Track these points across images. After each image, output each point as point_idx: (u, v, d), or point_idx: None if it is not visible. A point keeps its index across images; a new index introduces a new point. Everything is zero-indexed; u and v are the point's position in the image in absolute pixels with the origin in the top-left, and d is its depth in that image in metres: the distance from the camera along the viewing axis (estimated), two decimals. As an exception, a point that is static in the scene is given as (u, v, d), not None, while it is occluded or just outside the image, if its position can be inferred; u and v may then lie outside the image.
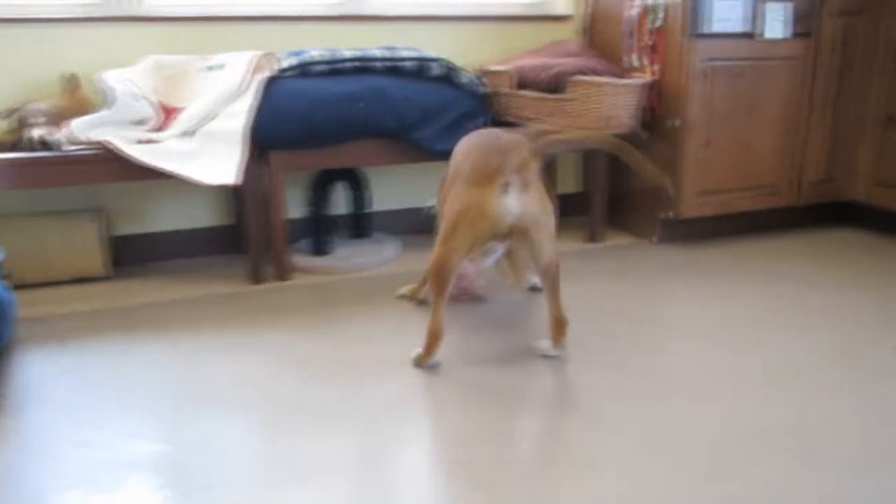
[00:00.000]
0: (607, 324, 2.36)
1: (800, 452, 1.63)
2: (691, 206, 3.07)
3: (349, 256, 2.94)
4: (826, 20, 3.12)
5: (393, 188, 3.34)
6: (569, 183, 3.64)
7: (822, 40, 3.14)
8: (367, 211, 3.16)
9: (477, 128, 2.85)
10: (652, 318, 2.40)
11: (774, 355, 2.12)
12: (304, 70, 2.74)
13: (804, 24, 3.09)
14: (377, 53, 2.85)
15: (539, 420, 1.78)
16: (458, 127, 2.83)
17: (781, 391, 1.91)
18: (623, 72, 3.14)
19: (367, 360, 2.11)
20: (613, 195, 3.41)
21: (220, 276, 2.84)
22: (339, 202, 3.22)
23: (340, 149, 2.75)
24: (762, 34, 3.03)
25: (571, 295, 2.61)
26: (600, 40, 3.39)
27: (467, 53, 3.31)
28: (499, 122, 3.03)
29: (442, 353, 2.10)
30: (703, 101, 2.99)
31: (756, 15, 2.99)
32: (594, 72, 2.93)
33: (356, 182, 3.10)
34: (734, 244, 3.21)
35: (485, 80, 3.08)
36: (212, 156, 2.59)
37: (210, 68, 2.82)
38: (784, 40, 3.07)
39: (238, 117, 2.62)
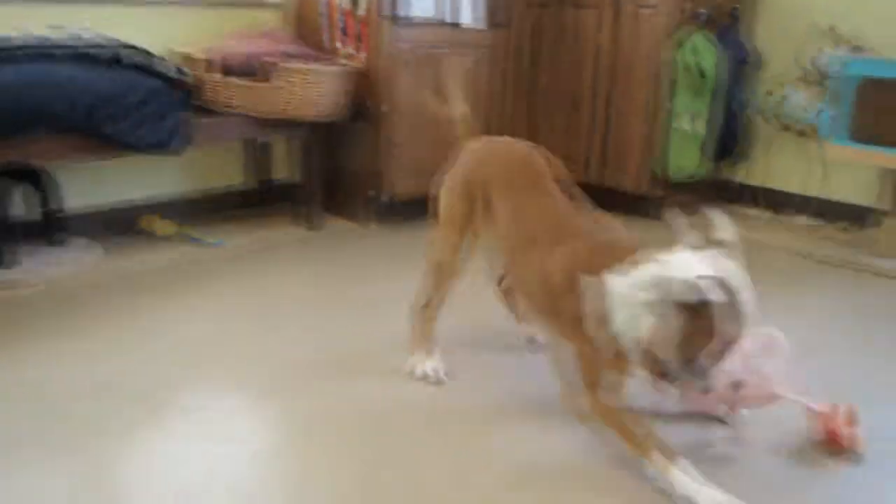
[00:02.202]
0: (320, 310, 2.36)
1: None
2: (404, 188, 3.16)
3: (38, 266, 2.62)
4: (520, 11, 3.38)
5: (91, 186, 3.04)
6: (284, 169, 3.57)
7: (516, 30, 3.39)
8: (58, 214, 2.84)
9: (177, 120, 2.68)
10: (357, 299, 2.44)
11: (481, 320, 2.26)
12: (-37, 57, 2.38)
13: (500, 14, 3.31)
14: (61, 39, 2.56)
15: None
16: (157, 117, 2.63)
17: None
18: (330, 58, 3.13)
19: (61, 382, 1.90)
20: (329, 180, 3.40)
21: None
22: (25, 205, 2.85)
23: (11, 144, 2.42)
24: (459, 22, 3.19)
25: (292, 283, 2.59)
26: (308, 27, 3.34)
27: (168, 39, 3.08)
28: (202, 111, 2.88)
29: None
30: (407, 87, 3.08)
31: (453, 4, 3.14)
32: (300, 58, 2.90)
33: (37, 181, 2.76)
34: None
35: (186, 67, 2.90)
36: None
37: None
38: (481, 29, 3.26)
39: None
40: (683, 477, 1.45)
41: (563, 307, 1.61)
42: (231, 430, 1.71)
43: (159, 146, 2.64)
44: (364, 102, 3.14)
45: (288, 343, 2.14)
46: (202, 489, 1.49)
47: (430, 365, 1.95)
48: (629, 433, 1.54)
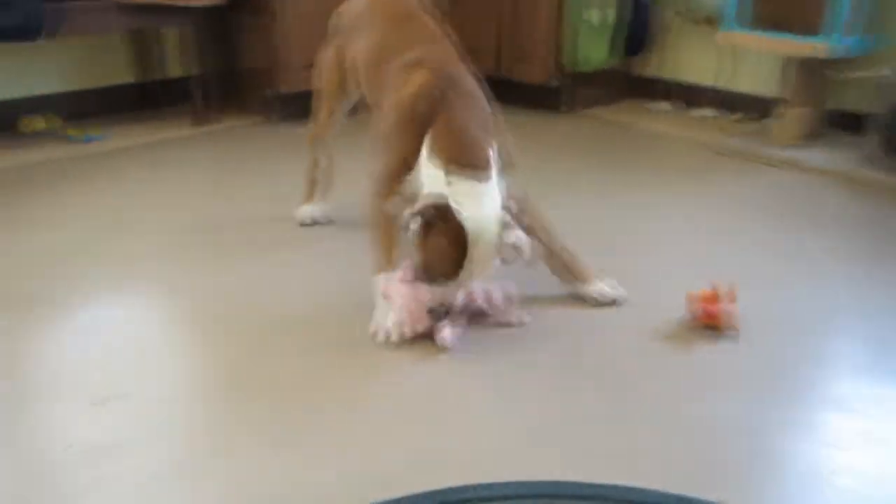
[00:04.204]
0: (208, 205, 2.26)
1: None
2: (299, 80, 3.00)
3: None
4: None
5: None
6: (176, 66, 3.35)
7: None
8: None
9: (36, 2, 2.44)
10: (248, 194, 2.34)
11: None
12: None
13: None
14: None
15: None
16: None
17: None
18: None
19: None
20: (224, 76, 3.22)
21: None
22: None
23: None
24: None
25: (177, 179, 2.46)
26: None
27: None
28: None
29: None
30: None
31: None
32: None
33: None
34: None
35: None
36: None
37: None
38: None
39: None
40: (380, 286, 1.59)
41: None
42: (92, 323, 1.64)
43: (17, 32, 2.41)
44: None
45: (173, 238, 2.06)
46: (64, 374, 1.44)
47: (302, 211, 2.12)
48: (380, 236, 1.64)
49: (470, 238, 1.47)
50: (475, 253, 1.48)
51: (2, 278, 1.81)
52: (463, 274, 1.51)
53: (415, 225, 1.49)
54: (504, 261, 1.54)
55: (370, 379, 1.47)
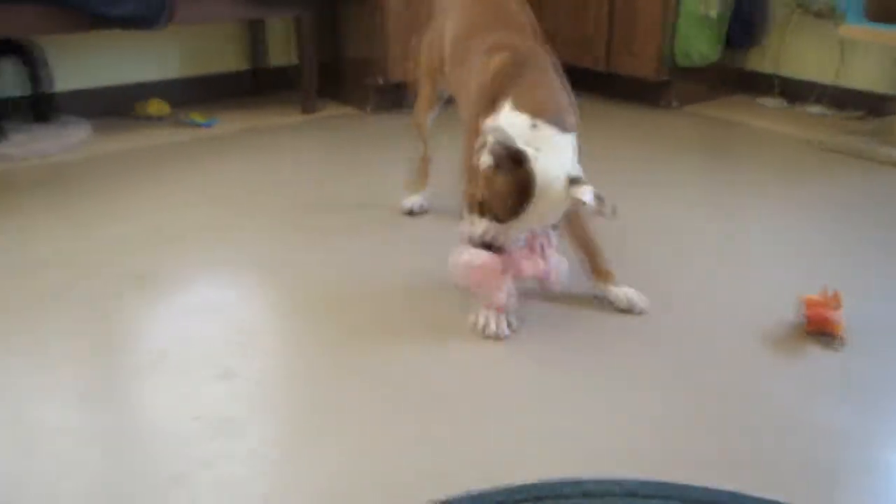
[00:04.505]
0: (309, 191, 2.33)
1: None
2: (400, 70, 3.05)
3: (27, 142, 2.60)
4: None
5: (86, 66, 2.98)
6: (280, 54, 3.47)
7: None
8: (47, 91, 2.80)
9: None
10: (349, 181, 2.41)
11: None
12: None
13: None
14: None
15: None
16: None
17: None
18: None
19: (50, 255, 1.91)
20: (328, 66, 3.31)
21: None
22: (13, 82, 2.81)
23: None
24: None
25: (281, 166, 2.55)
26: None
27: None
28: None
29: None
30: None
31: None
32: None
33: (27, 57, 2.71)
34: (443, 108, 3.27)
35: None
36: None
37: None
38: None
39: None
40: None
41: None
42: (210, 301, 1.71)
43: (137, 19, 2.54)
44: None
45: (279, 220, 2.13)
46: (178, 351, 1.51)
47: (409, 200, 2.16)
48: (470, 203, 1.58)
49: (538, 187, 1.44)
50: (540, 202, 1.45)
51: (118, 257, 1.91)
52: (522, 218, 1.47)
53: (485, 160, 1.46)
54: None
55: (459, 367, 1.49)
